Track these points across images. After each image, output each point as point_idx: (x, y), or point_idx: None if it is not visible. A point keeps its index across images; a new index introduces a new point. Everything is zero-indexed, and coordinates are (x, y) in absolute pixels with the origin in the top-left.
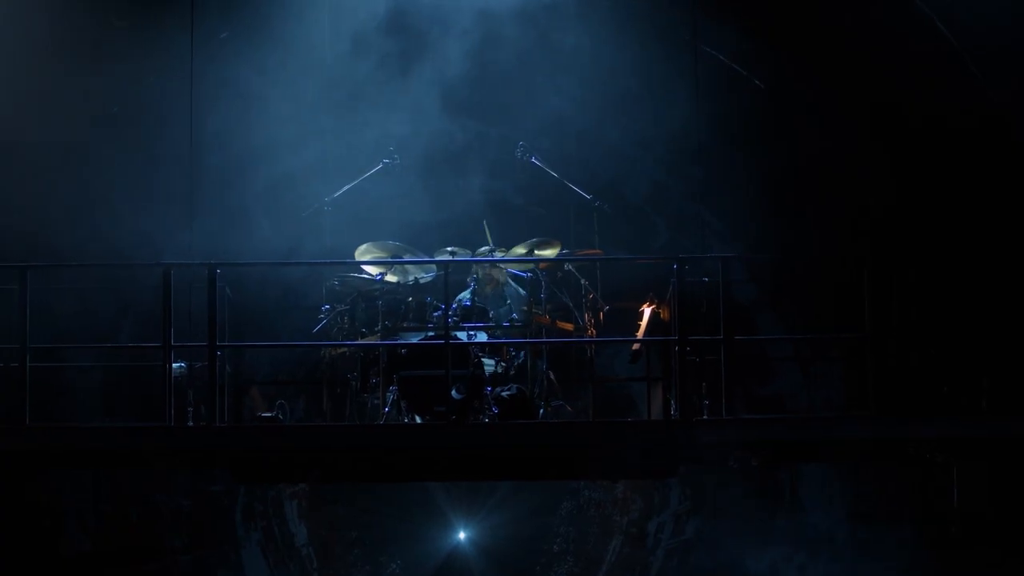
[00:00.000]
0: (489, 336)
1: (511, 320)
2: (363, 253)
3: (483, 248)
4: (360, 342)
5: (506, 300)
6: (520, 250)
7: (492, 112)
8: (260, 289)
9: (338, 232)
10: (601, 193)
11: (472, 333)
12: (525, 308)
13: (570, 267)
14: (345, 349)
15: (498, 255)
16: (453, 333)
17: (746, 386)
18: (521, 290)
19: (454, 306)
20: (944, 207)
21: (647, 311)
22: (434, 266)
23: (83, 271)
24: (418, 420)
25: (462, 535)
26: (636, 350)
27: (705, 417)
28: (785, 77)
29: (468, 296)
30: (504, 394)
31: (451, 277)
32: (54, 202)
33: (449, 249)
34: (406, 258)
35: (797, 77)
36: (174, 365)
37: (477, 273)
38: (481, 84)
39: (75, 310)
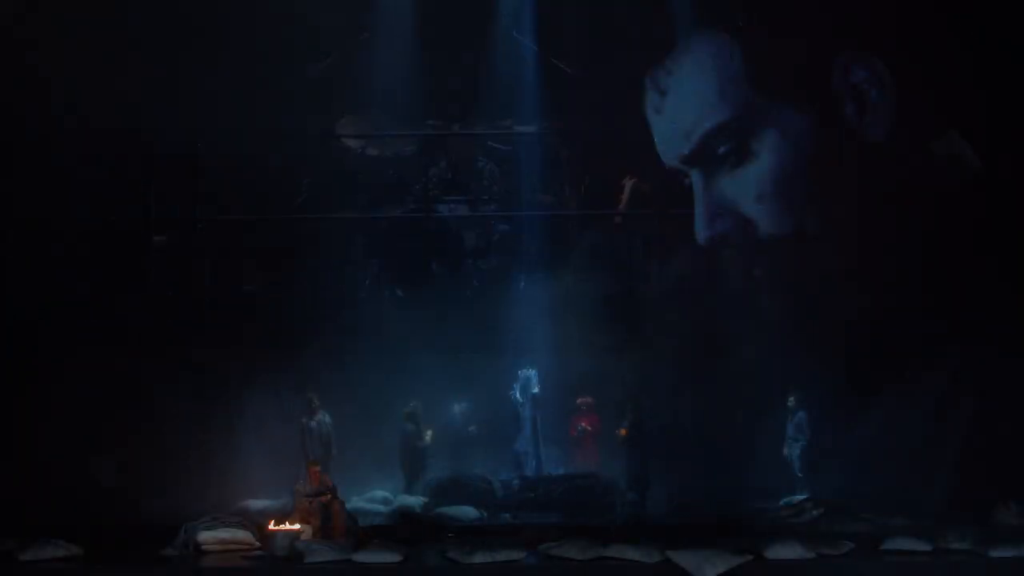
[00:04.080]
0: (470, 208)
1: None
2: (345, 125)
3: None
4: (341, 215)
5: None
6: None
7: None
8: None
9: (329, 108)
10: None
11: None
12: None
13: None
14: None
15: None
16: (434, 206)
17: None
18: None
19: (434, 179)
20: None
21: (628, 184)
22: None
23: None
24: (399, 293)
25: None
26: None
27: None
28: None
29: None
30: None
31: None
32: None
33: (430, 123)
34: (387, 131)
35: None
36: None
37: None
38: None
39: None
